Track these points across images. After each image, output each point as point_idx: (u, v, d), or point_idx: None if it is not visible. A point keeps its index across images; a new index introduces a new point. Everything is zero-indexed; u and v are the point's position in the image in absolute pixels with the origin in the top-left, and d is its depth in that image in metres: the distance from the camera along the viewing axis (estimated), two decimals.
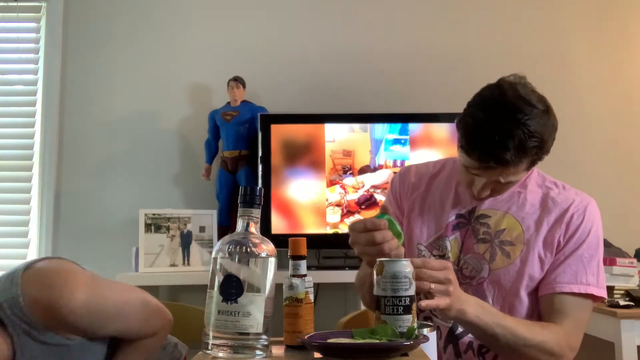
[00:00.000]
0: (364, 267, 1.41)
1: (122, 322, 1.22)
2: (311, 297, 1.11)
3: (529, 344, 1.23)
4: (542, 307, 1.33)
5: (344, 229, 2.56)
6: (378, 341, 0.96)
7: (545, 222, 1.35)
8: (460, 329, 1.36)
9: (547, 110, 1.27)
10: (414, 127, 2.61)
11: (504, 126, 1.22)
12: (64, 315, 1.09)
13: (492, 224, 1.38)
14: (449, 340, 1.38)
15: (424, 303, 1.09)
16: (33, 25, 2.89)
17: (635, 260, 2.23)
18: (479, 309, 1.19)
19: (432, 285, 1.10)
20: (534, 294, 1.34)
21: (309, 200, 2.58)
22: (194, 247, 2.55)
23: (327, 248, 2.60)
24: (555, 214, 1.35)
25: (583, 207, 1.36)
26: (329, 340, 0.99)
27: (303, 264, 1.12)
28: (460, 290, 1.17)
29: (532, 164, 1.30)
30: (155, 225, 2.54)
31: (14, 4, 2.87)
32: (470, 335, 1.34)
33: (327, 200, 2.58)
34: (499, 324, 1.21)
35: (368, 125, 2.62)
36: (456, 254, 1.39)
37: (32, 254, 2.74)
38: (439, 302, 1.11)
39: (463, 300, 1.17)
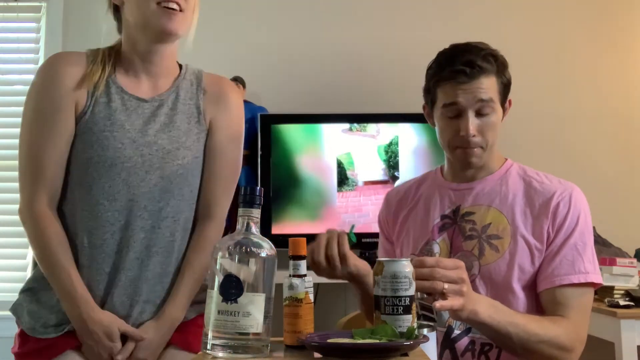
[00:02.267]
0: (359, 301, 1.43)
1: None
2: (311, 297, 1.10)
3: (542, 340, 1.20)
4: (544, 302, 1.30)
5: None
6: (378, 341, 0.96)
7: (530, 212, 1.33)
8: (456, 332, 1.33)
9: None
10: (407, 127, 2.61)
11: (467, 47, 1.36)
12: None
13: (477, 220, 1.36)
14: (445, 345, 1.34)
15: (439, 304, 1.06)
16: (33, 25, 2.89)
17: (635, 260, 2.22)
18: (490, 309, 1.17)
19: (446, 286, 1.07)
20: (530, 288, 1.31)
21: (309, 200, 2.58)
22: None
23: None
24: (539, 203, 1.33)
25: (568, 195, 1.33)
26: (329, 340, 0.99)
27: (303, 264, 1.12)
28: (472, 290, 1.14)
29: (499, 87, 1.36)
30: None
31: (14, 4, 2.87)
32: (467, 337, 1.32)
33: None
34: (512, 322, 1.18)
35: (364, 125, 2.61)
36: (446, 255, 1.37)
37: (32, 254, 2.74)
38: (453, 303, 1.07)
39: (475, 300, 1.14)
